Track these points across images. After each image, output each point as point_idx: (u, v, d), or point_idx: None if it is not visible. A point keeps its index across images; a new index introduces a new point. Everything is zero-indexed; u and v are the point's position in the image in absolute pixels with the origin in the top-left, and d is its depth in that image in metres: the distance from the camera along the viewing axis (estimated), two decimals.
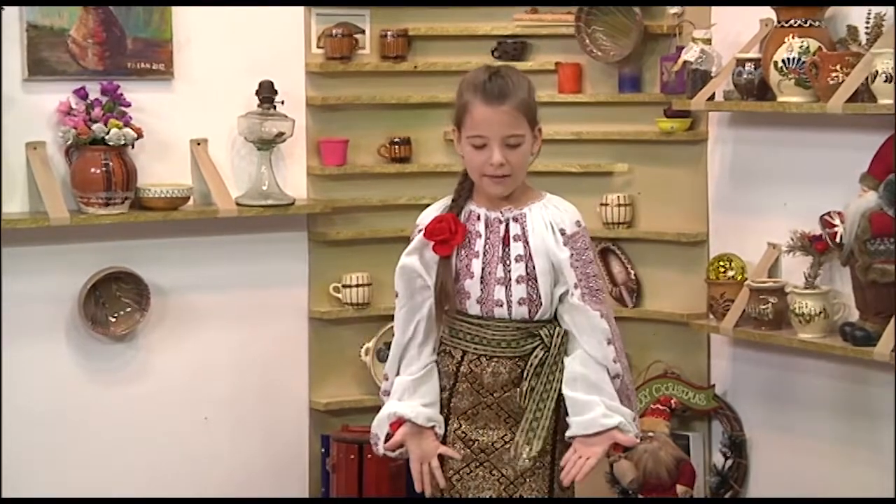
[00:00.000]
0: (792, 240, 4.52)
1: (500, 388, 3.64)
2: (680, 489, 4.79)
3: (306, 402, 5.13)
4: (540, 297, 3.61)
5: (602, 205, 5.06)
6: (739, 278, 4.76)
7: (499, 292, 3.61)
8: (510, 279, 3.61)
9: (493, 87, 3.58)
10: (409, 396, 3.67)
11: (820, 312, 4.44)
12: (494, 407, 3.65)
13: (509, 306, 3.61)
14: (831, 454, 4.59)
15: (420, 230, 3.69)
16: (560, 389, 3.64)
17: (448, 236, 3.62)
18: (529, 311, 3.62)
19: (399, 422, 3.67)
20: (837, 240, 4.32)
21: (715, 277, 4.81)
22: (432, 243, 3.63)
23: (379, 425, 3.72)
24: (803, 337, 4.48)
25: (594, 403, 3.58)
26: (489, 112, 3.57)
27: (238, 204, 4.88)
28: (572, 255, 3.63)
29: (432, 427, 3.66)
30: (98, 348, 4.80)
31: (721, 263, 4.82)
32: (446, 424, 3.70)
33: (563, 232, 3.63)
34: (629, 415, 3.60)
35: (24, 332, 4.67)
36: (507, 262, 3.62)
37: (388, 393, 3.74)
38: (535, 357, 3.62)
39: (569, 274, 3.62)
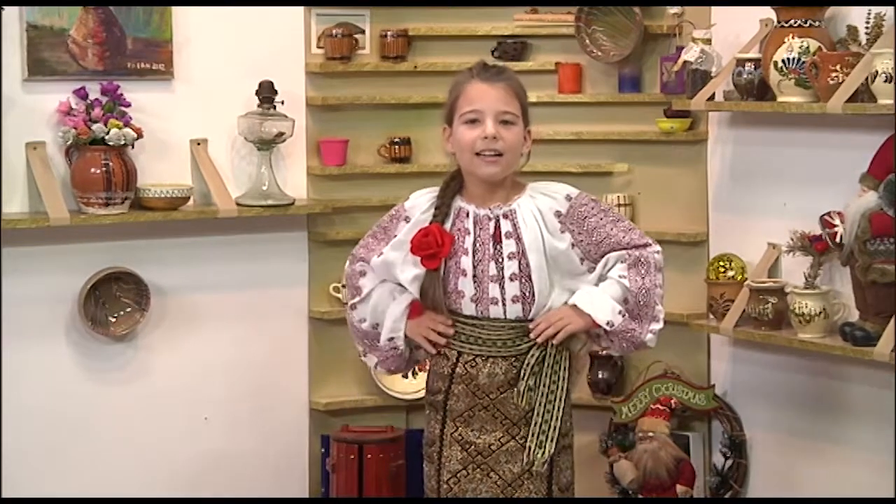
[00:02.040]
0: (792, 240, 4.52)
1: (497, 390, 3.64)
2: (680, 489, 4.79)
3: (306, 402, 5.13)
4: (534, 295, 3.61)
5: None
6: (739, 278, 4.76)
7: (493, 290, 3.62)
8: (503, 276, 3.62)
9: (490, 68, 3.69)
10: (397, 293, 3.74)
11: (820, 312, 4.44)
12: (491, 409, 3.65)
13: (504, 304, 3.62)
14: (831, 454, 4.58)
15: (406, 217, 3.69)
16: (565, 388, 3.65)
17: (436, 249, 3.62)
18: (524, 309, 3.62)
19: (415, 303, 3.71)
20: (837, 240, 4.32)
21: (715, 277, 4.81)
22: (420, 258, 3.63)
23: (392, 326, 3.73)
24: (803, 337, 4.47)
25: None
26: (485, 87, 3.62)
27: (238, 204, 4.88)
28: (572, 231, 3.64)
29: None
30: (98, 348, 4.80)
31: (721, 263, 4.82)
32: (442, 427, 3.70)
33: (558, 214, 3.64)
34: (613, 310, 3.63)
35: (24, 332, 4.67)
36: (500, 259, 3.63)
37: (360, 297, 3.78)
38: (532, 356, 3.62)
39: (576, 256, 3.65)
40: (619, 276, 3.64)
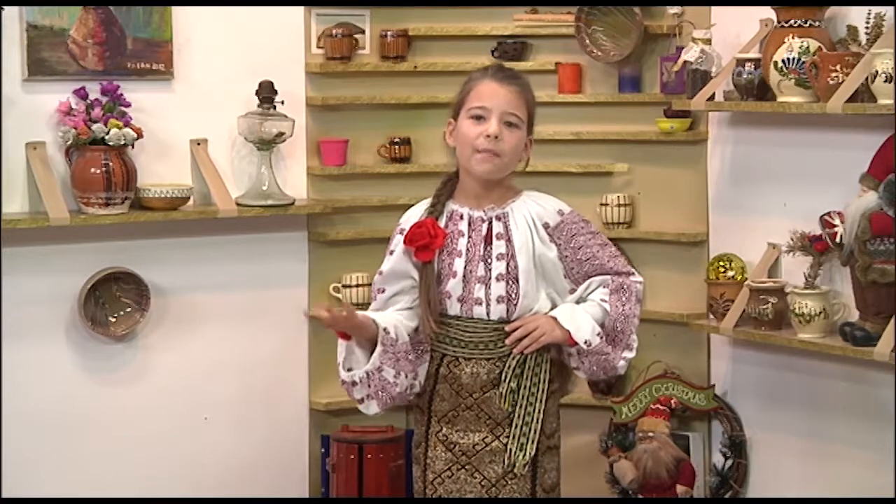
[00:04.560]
0: (792, 240, 4.52)
1: (480, 390, 3.65)
2: (680, 489, 4.79)
3: (306, 402, 5.13)
4: (519, 297, 3.62)
5: (602, 205, 5.06)
6: (739, 278, 4.76)
7: (478, 290, 3.63)
8: (490, 277, 3.63)
9: (505, 70, 3.71)
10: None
11: (820, 312, 4.44)
12: (475, 408, 3.65)
13: (488, 304, 3.63)
14: (831, 454, 4.59)
15: (402, 230, 3.71)
16: (546, 391, 3.65)
17: (428, 241, 3.63)
18: (507, 311, 3.63)
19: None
20: (837, 240, 4.32)
21: (715, 277, 4.81)
22: (413, 250, 3.64)
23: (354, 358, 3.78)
24: (803, 337, 4.48)
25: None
26: (497, 86, 3.63)
27: (238, 204, 4.88)
28: (559, 245, 3.65)
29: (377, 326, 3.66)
30: (98, 348, 4.80)
31: (721, 263, 4.82)
32: (427, 428, 3.70)
33: (546, 226, 3.65)
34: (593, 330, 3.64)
35: (24, 332, 4.67)
36: (489, 260, 3.64)
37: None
38: (514, 358, 3.63)
39: (562, 271, 3.65)
40: (601, 300, 3.68)
